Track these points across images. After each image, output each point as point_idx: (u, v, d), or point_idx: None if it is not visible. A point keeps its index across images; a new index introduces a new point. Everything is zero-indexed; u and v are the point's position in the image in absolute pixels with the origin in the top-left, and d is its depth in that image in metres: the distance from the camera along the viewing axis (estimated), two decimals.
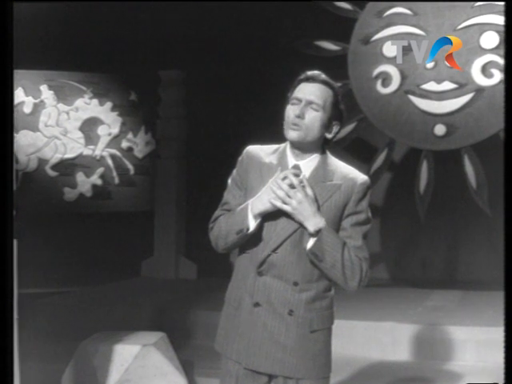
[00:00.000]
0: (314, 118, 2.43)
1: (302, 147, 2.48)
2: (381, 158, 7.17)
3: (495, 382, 3.95)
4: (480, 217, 7.09)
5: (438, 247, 8.05)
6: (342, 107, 2.52)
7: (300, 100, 2.45)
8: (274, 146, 2.58)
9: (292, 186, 2.38)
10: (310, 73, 2.49)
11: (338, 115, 2.50)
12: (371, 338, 5.57)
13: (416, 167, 6.98)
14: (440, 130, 6.84)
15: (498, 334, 3.10)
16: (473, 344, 5.37)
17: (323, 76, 2.48)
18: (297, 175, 2.42)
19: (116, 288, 7.33)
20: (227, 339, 2.53)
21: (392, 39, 6.91)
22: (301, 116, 2.42)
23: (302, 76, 2.49)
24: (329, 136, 2.50)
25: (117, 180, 8.62)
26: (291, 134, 2.45)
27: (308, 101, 2.44)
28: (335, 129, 2.51)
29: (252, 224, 2.41)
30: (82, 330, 5.31)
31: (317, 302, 2.47)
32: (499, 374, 2.93)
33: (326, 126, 2.48)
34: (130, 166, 8.67)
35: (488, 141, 6.68)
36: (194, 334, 5.84)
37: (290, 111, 2.46)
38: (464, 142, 6.80)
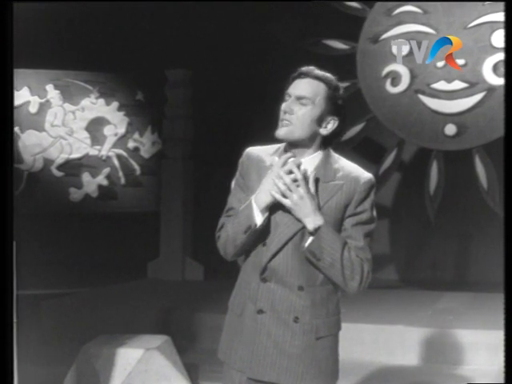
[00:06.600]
0: (303, 114, 2.36)
1: (295, 145, 2.40)
2: (390, 158, 7.10)
3: None
4: (491, 218, 7.00)
5: (449, 248, 7.97)
6: (340, 102, 2.41)
7: (290, 96, 2.39)
8: (275, 146, 2.50)
9: (295, 180, 2.30)
10: (303, 68, 2.42)
11: (333, 110, 2.40)
12: (380, 341, 5.49)
13: (426, 167, 6.91)
14: (450, 129, 6.76)
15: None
16: (484, 347, 5.28)
17: (316, 71, 2.40)
18: (298, 166, 2.33)
19: (121, 289, 7.27)
20: (230, 347, 2.45)
21: (402, 38, 6.84)
22: (288, 111, 2.36)
23: (296, 73, 2.43)
24: (324, 132, 2.41)
25: (123, 180, 8.58)
26: (278, 131, 2.39)
27: (297, 96, 2.37)
28: (332, 125, 2.41)
29: (259, 219, 2.33)
30: (87, 331, 5.27)
31: (323, 308, 2.39)
32: None
33: (319, 122, 2.39)
34: (137, 167, 8.63)
35: (499, 141, 6.57)
36: (200, 336, 5.78)
37: (282, 108, 2.40)
38: (475, 142, 6.73)
